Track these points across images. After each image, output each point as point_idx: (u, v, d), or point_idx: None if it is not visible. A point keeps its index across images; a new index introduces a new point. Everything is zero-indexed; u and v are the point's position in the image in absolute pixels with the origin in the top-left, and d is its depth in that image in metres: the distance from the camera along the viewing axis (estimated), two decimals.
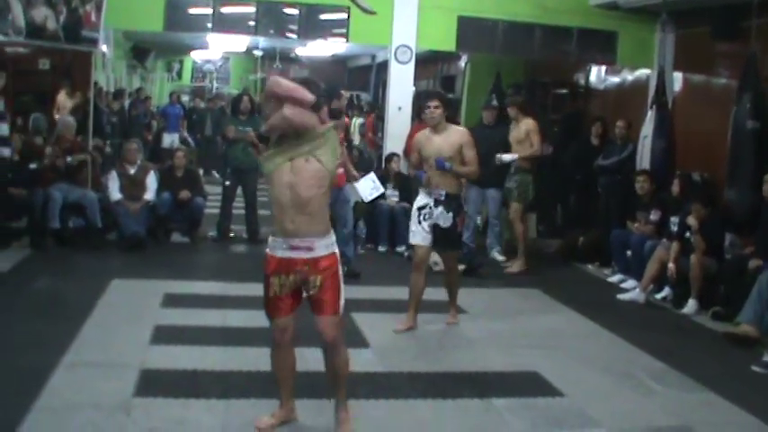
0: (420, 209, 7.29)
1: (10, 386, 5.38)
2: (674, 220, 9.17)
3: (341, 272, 4.91)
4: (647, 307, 8.89)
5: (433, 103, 7.15)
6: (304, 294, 4.87)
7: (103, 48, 13.75)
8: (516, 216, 10.31)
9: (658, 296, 9.12)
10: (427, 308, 7.84)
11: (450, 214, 7.17)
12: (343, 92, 9.98)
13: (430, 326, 7.52)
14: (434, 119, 7.19)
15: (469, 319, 7.89)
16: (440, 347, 6.95)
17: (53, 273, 8.91)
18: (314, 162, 4.63)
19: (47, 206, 9.91)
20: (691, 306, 8.54)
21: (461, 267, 9.83)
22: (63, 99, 12.95)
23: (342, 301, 4.89)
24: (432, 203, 7.22)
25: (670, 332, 7.92)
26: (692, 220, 8.70)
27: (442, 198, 7.19)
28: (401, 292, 8.49)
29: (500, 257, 10.75)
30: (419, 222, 7.27)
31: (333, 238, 4.86)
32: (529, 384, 6.13)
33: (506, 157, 10.17)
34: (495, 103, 11.44)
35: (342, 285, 4.89)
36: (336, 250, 4.87)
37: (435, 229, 7.21)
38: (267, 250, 4.86)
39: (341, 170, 9.37)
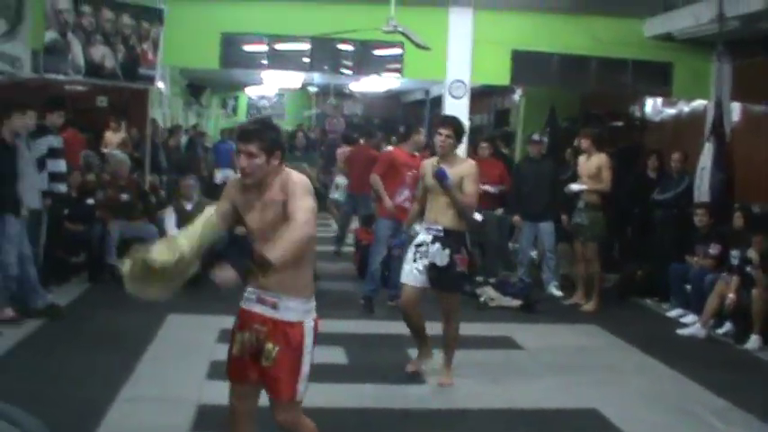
0: (417, 246, 6.69)
1: (68, 419, 5.40)
2: (735, 253, 9.01)
3: (307, 350, 4.05)
4: (708, 342, 8.71)
5: (446, 132, 6.59)
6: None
7: (160, 85, 13.96)
8: (593, 255, 10.02)
9: (719, 331, 8.92)
10: (480, 343, 7.81)
11: (447, 251, 6.54)
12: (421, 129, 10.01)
13: (485, 361, 7.44)
14: (444, 148, 6.63)
15: (527, 355, 7.81)
16: (495, 383, 6.86)
17: (111, 307, 8.96)
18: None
19: (104, 241, 10.05)
20: (753, 342, 8.35)
21: (518, 303, 9.78)
22: (109, 135, 13.17)
23: (301, 386, 4.06)
24: (429, 240, 6.64)
25: (732, 368, 7.74)
26: (753, 254, 8.54)
27: (441, 234, 6.59)
28: (461, 328, 8.47)
29: (557, 292, 10.63)
30: (414, 260, 6.67)
31: (310, 305, 4.10)
32: (588, 422, 6.03)
33: (575, 186, 10.00)
34: (536, 137, 11.22)
35: (304, 367, 4.03)
36: (310, 320, 4.06)
37: (432, 267, 6.61)
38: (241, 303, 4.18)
39: (407, 203, 9.28)
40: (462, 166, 6.66)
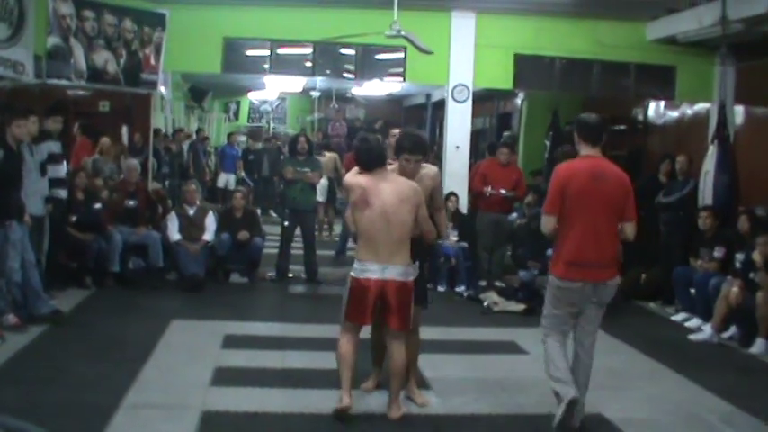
0: None
1: (72, 426, 5.41)
2: (739, 256, 8.98)
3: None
4: (713, 346, 8.66)
5: (415, 158, 5.99)
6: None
7: (162, 89, 13.93)
8: None
9: (725, 335, 8.86)
10: (485, 348, 7.80)
11: (417, 264, 6.03)
12: None
13: (491, 366, 7.42)
14: (412, 174, 6.02)
15: (531, 360, 7.74)
16: (502, 389, 6.83)
17: (114, 313, 8.97)
18: None
19: (106, 249, 10.05)
20: (759, 345, 8.30)
21: (522, 307, 9.76)
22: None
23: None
24: None
25: (738, 372, 7.72)
26: (757, 256, 8.51)
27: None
28: (462, 333, 8.45)
29: None
30: None
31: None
32: (594, 427, 5.98)
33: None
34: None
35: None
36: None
37: None
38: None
39: None
40: (430, 178, 6.23)
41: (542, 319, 6.09)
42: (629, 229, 6.04)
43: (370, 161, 5.82)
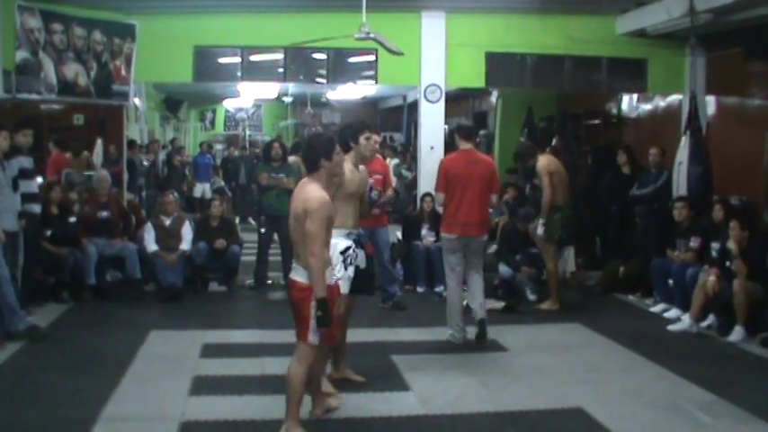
0: (343, 253, 6.21)
1: None
2: (715, 245, 9.02)
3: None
4: (693, 336, 8.68)
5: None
6: None
7: (136, 101, 13.85)
8: (547, 256, 10.10)
9: (703, 324, 8.88)
10: (467, 347, 7.77)
11: (363, 252, 6.41)
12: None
13: (471, 364, 7.42)
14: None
15: (512, 357, 7.79)
16: (482, 386, 6.82)
17: (92, 326, 8.91)
18: None
19: (82, 262, 9.99)
20: (737, 333, 8.34)
21: (501, 305, 9.76)
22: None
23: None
24: (353, 245, 6.31)
25: (717, 361, 7.75)
26: (732, 245, 8.55)
27: (357, 237, 6.41)
28: (442, 333, 8.42)
29: (532, 296, 10.51)
30: (345, 269, 6.21)
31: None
32: (574, 421, 6.01)
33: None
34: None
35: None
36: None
37: (356, 271, 6.33)
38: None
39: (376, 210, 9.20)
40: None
41: (445, 266, 8.34)
42: (494, 198, 8.68)
43: (305, 163, 5.65)
